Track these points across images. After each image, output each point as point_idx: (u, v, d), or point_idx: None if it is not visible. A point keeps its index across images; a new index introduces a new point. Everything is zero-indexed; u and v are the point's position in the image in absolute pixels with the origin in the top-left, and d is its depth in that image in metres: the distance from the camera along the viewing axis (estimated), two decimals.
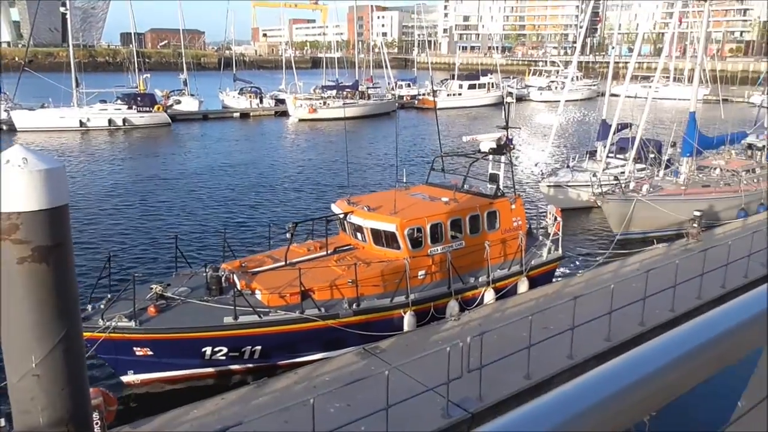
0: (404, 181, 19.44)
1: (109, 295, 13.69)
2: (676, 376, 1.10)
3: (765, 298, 1.35)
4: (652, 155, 27.96)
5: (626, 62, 37.27)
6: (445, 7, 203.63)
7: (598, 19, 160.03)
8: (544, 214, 20.20)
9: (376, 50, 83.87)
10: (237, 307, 13.17)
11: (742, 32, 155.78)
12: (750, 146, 30.99)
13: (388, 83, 77.84)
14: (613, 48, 50.12)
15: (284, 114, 66.41)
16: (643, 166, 28.13)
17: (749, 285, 17.41)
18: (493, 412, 11.45)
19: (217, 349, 13.57)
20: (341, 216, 16.48)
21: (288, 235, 15.60)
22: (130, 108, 56.25)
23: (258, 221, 26.95)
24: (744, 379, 1.84)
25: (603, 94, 36.21)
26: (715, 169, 27.12)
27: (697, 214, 21.49)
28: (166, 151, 46.44)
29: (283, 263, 15.12)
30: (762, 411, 1.74)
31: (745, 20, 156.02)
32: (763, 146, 30.93)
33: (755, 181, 26.39)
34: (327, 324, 13.78)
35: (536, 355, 12.26)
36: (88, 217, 27.14)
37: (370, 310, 14.38)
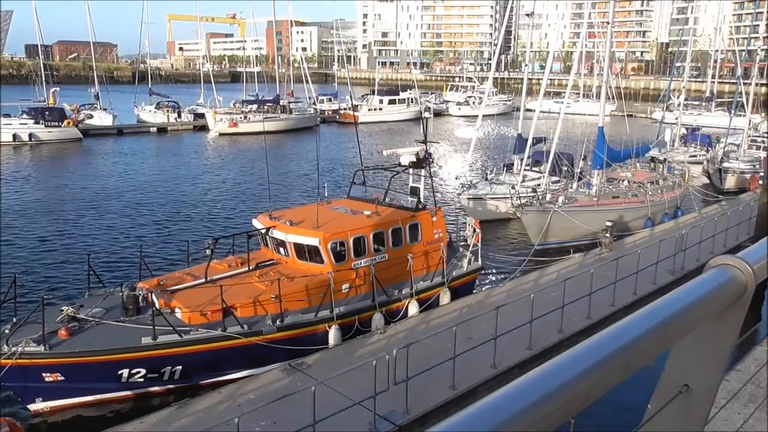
0: (326, 195, 19.40)
1: (14, 319, 12.91)
2: (592, 382, 1.13)
3: (670, 305, 1.41)
4: (565, 168, 29.07)
5: (539, 79, 38.80)
6: (364, 23, 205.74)
7: (511, 37, 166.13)
8: (464, 225, 20.61)
9: (296, 65, 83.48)
10: (156, 327, 12.70)
11: (642, 52, 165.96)
12: (653, 159, 32.87)
13: (309, 98, 77.59)
14: (526, 65, 52.11)
15: (203, 128, 64.97)
16: (557, 178, 29.20)
17: (658, 291, 18.38)
18: (419, 424, 11.51)
19: (134, 371, 13.02)
20: (263, 231, 16.25)
21: (208, 252, 15.21)
22: (37, 122, 53.53)
23: (176, 238, 26.10)
24: (653, 381, 1.92)
25: (518, 109, 37.42)
26: (623, 181, 28.48)
27: (609, 224, 22.53)
28: (77, 167, 44.34)
29: (204, 280, 14.73)
30: (671, 411, 1.82)
31: (645, 41, 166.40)
32: (665, 159, 32.90)
33: (659, 192, 27.94)
34: (250, 341, 13.50)
35: (461, 366, 12.43)
36: None
37: (294, 326, 14.20)
